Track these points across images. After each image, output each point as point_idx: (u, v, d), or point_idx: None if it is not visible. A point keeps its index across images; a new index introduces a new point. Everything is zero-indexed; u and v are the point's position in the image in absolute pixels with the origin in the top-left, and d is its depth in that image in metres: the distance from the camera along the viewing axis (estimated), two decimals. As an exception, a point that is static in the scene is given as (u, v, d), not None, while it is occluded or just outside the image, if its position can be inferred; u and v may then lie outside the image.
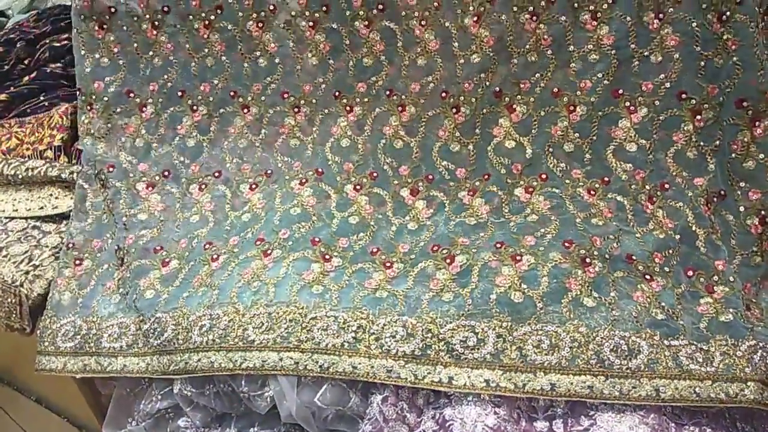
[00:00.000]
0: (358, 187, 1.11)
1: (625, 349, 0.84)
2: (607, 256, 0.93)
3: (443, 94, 1.09)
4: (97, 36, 1.23)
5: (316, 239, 1.03)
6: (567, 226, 0.97)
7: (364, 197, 1.09)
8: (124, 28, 1.22)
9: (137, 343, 0.97)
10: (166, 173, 1.19)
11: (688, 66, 0.96)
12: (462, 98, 1.07)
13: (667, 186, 0.98)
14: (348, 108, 1.14)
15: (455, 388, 0.83)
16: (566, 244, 0.94)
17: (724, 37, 0.92)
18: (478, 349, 0.85)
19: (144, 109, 1.23)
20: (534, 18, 1.02)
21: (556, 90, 1.04)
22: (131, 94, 1.24)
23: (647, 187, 0.99)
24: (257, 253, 1.03)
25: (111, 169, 1.21)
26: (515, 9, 1.03)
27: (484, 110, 1.07)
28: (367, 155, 1.12)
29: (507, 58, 1.05)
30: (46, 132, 1.45)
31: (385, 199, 1.09)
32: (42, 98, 1.56)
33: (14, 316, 1.18)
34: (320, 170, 1.14)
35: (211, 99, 1.21)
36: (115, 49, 1.23)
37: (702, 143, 0.96)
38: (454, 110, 1.08)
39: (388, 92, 1.12)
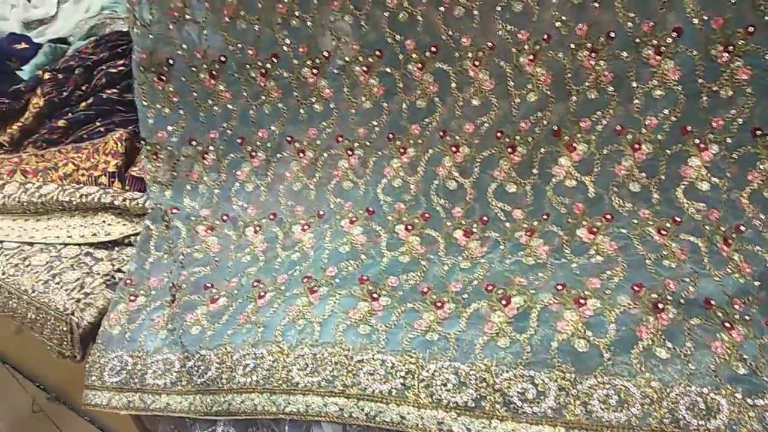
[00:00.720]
0: (409, 227, 1.07)
1: (703, 407, 0.75)
2: (682, 300, 0.85)
3: (498, 134, 1.05)
4: (157, 87, 1.26)
5: (364, 277, 0.99)
6: (636, 268, 0.90)
7: (416, 237, 1.05)
8: (183, 78, 1.25)
9: (181, 381, 0.95)
10: (225, 217, 1.20)
11: (762, 100, 0.88)
12: (518, 138, 1.03)
13: (743, 228, 0.89)
14: (401, 150, 1.12)
15: (512, 444, 0.77)
16: (635, 288, 0.87)
17: None
18: (537, 402, 0.78)
19: (206, 156, 1.26)
20: (593, 54, 0.97)
21: (619, 128, 0.98)
22: (193, 142, 1.26)
23: (722, 228, 0.91)
24: (303, 290, 1.00)
25: (175, 211, 1.23)
26: (573, 46, 0.98)
27: (542, 149, 1.02)
28: (419, 195, 1.09)
29: (565, 95, 1.00)
30: (101, 158, 1.47)
31: (437, 240, 1.04)
32: (98, 124, 1.59)
33: (65, 343, 1.18)
34: (371, 209, 1.11)
35: (268, 145, 1.22)
36: (175, 99, 1.26)
37: None
38: (510, 150, 1.04)
39: (441, 133, 1.09)
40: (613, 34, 0.95)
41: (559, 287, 0.89)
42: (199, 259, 1.14)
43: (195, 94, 1.25)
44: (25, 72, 1.82)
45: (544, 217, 1.00)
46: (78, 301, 1.17)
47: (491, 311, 0.89)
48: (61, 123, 1.62)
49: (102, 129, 1.57)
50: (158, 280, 1.14)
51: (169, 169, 1.26)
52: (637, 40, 0.94)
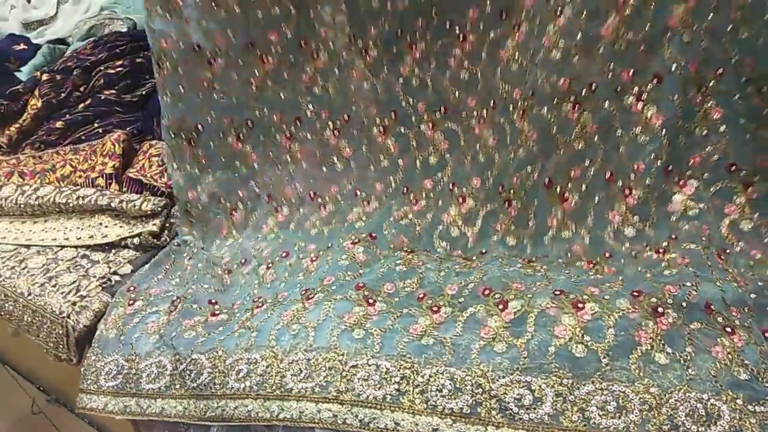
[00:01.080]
0: (407, 250, 1.09)
1: (702, 413, 0.74)
2: (683, 304, 0.83)
3: (500, 189, 1.07)
4: (187, 149, 1.30)
5: (360, 284, 0.98)
6: (636, 281, 0.88)
7: (415, 255, 1.06)
8: (211, 143, 1.29)
9: (174, 384, 0.94)
10: (243, 260, 1.22)
11: (734, 138, 0.89)
12: (512, 192, 1.05)
13: (728, 251, 0.90)
14: (414, 201, 1.16)
15: (508, 451, 0.75)
16: (635, 293, 0.85)
17: (764, 112, 0.86)
18: (534, 408, 0.77)
19: (234, 213, 1.30)
20: (577, 107, 0.97)
21: (608, 175, 0.98)
22: (222, 200, 1.30)
23: (715, 242, 0.92)
24: (299, 298, 0.99)
25: (202, 250, 1.26)
26: (556, 100, 0.98)
27: (536, 201, 1.03)
28: (422, 235, 1.12)
29: (553, 149, 1.01)
30: (99, 159, 1.46)
31: (434, 258, 1.06)
32: (96, 125, 1.59)
33: (61, 347, 1.18)
34: (374, 235, 1.12)
35: (293, 200, 1.26)
36: (204, 161, 1.30)
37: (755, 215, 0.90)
38: (507, 204, 1.06)
39: (451, 185, 1.12)
40: (594, 86, 0.96)
41: (557, 292, 0.87)
42: (209, 282, 1.14)
43: (223, 157, 1.29)
44: (23, 73, 1.81)
45: (544, 257, 1.02)
46: (74, 304, 1.16)
47: (488, 315, 0.88)
48: (58, 124, 1.61)
49: (100, 130, 1.57)
50: (162, 291, 1.14)
51: (202, 225, 1.31)
52: (618, 89, 0.94)
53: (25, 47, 1.87)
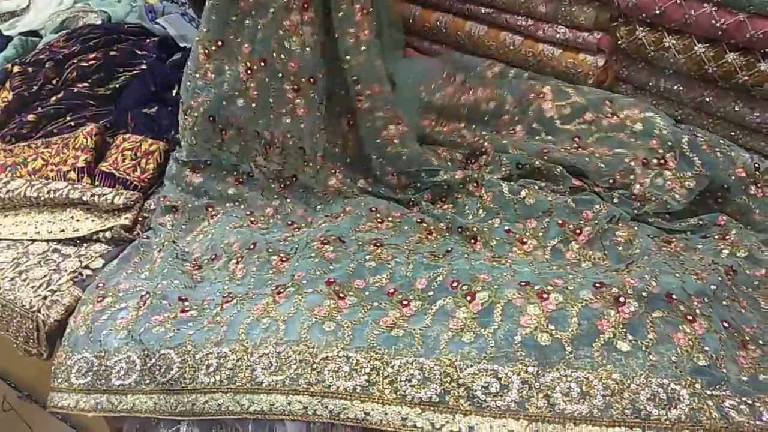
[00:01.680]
0: (376, 244, 1.09)
1: (663, 398, 0.76)
2: (644, 294, 0.85)
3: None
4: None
5: (331, 279, 0.99)
6: (597, 273, 0.91)
7: (384, 249, 1.06)
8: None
9: (144, 380, 0.94)
10: (213, 256, 1.18)
11: None
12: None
13: (686, 254, 0.97)
14: (380, 220, 1.19)
15: (476, 438, 0.77)
16: (597, 284, 0.87)
17: None
18: (501, 396, 0.78)
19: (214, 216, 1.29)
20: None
21: (560, 221, 1.09)
22: (209, 208, 1.30)
23: (673, 243, 0.98)
24: (270, 292, 0.99)
25: (173, 244, 1.22)
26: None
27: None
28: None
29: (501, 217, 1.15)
30: (71, 153, 1.44)
31: (403, 249, 1.06)
32: (68, 118, 1.56)
33: (32, 341, 1.17)
34: (343, 239, 1.10)
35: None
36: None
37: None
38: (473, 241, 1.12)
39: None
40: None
41: (523, 284, 0.89)
42: (179, 278, 1.12)
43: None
44: (-6, 65, 1.78)
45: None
46: (44, 298, 1.15)
47: (456, 307, 0.89)
48: (30, 117, 1.58)
49: (72, 123, 1.55)
50: (131, 287, 1.13)
51: (183, 218, 1.28)
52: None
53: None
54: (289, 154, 1.25)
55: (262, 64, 1.20)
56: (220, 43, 1.20)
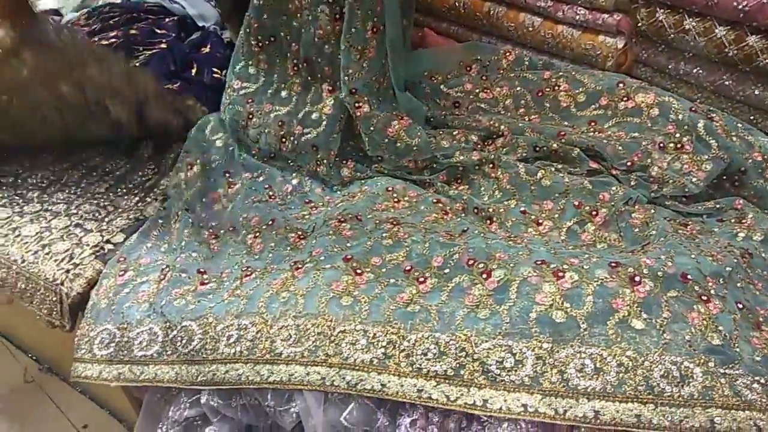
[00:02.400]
0: (393, 222, 1.09)
1: (676, 375, 0.77)
2: (659, 274, 0.86)
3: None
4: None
5: (348, 256, 1.00)
6: (613, 253, 0.92)
7: (400, 229, 1.06)
8: None
9: (166, 351, 0.96)
10: (231, 228, 1.21)
11: None
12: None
13: (702, 237, 0.97)
14: (396, 200, 1.21)
15: (490, 411, 0.78)
16: (612, 264, 0.88)
17: None
18: (515, 370, 0.80)
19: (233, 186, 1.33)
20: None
21: (576, 203, 1.10)
22: (227, 174, 1.34)
23: (690, 225, 1.00)
24: (288, 268, 1.01)
25: (185, 212, 1.24)
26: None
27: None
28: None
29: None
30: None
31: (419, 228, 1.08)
32: (88, 97, 1.58)
33: (55, 313, 1.19)
34: (359, 217, 1.12)
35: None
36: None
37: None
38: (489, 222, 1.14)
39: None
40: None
41: (539, 262, 0.90)
42: (197, 249, 1.15)
43: None
44: (15, 44, 1.79)
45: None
46: (67, 271, 1.18)
47: (472, 284, 0.90)
48: (51, 95, 1.61)
49: (92, 102, 1.57)
50: (151, 261, 1.15)
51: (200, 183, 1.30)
52: None
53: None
54: (303, 151, 1.29)
55: (305, 64, 1.28)
56: (272, 39, 1.30)
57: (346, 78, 1.21)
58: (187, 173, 1.28)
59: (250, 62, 1.34)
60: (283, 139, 1.30)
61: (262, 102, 1.33)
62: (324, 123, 1.27)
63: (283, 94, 1.32)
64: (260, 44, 1.32)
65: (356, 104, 1.23)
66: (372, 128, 1.24)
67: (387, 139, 1.23)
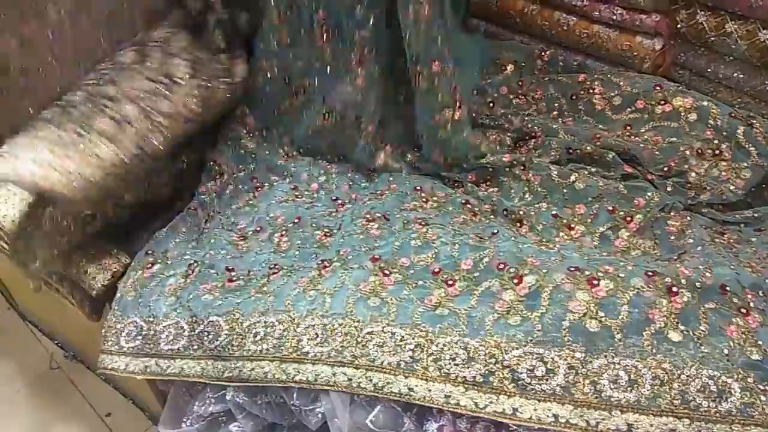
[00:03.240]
0: (422, 223, 1.07)
1: (714, 390, 0.75)
2: (697, 284, 0.84)
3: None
4: None
5: (376, 256, 0.99)
6: (649, 261, 0.90)
7: (429, 228, 1.04)
8: None
9: (192, 346, 0.96)
10: (259, 228, 1.19)
11: None
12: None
13: (740, 246, 0.94)
14: (425, 200, 1.18)
15: (519, 420, 0.77)
16: (649, 273, 0.86)
17: None
18: (546, 380, 0.78)
19: (259, 189, 1.31)
20: None
21: (611, 208, 1.07)
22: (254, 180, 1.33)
23: (726, 234, 0.97)
24: (316, 266, 1.00)
25: (218, 215, 1.24)
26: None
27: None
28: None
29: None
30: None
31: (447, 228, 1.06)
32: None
33: (83, 302, 1.21)
34: (387, 216, 1.11)
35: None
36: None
37: None
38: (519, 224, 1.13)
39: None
40: None
41: (573, 269, 0.88)
42: (225, 248, 1.14)
43: None
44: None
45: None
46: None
47: (503, 289, 0.89)
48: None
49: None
50: (179, 254, 1.15)
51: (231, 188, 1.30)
52: None
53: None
54: (345, 124, 1.25)
55: (336, 32, 1.20)
56: (293, 7, 1.21)
57: (405, 45, 1.14)
58: (216, 180, 1.28)
59: (273, 37, 1.24)
60: (326, 115, 1.27)
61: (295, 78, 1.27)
62: (359, 96, 1.23)
63: (317, 65, 1.25)
64: (281, 15, 1.22)
65: (417, 76, 1.15)
66: (425, 105, 1.18)
67: (432, 122, 1.19)
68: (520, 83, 1.33)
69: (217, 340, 0.94)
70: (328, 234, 1.11)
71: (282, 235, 1.14)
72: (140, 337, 1.02)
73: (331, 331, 0.89)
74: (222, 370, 0.93)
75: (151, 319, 1.03)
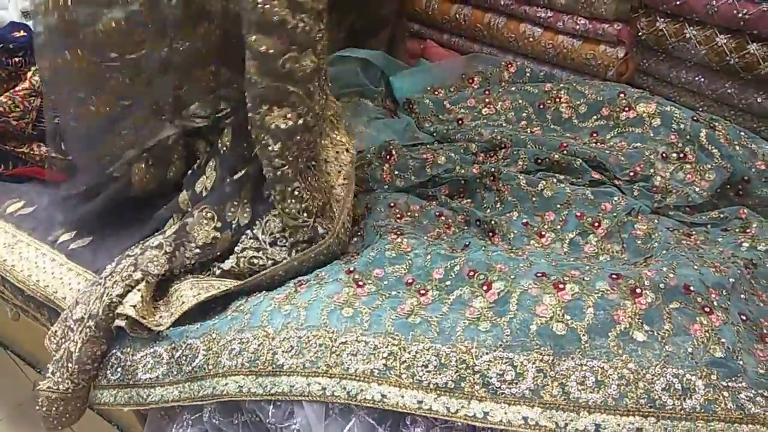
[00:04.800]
0: (397, 232, 1.08)
1: (678, 388, 0.76)
2: (661, 286, 0.85)
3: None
4: None
5: (351, 269, 1.00)
6: (615, 265, 0.92)
7: (404, 239, 1.05)
8: None
9: (172, 372, 0.95)
10: None
11: None
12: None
13: (706, 247, 0.97)
14: (399, 216, 1.18)
15: (490, 424, 0.78)
16: (613, 276, 0.88)
17: None
18: (516, 383, 0.79)
19: None
20: None
21: (578, 214, 1.09)
22: None
23: (693, 236, 0.99)
24: (292, 284, 1.01)
25: None
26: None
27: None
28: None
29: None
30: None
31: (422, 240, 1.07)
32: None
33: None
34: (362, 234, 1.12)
35: None
36: None
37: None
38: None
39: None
40: None
41: (539, 275, 0.90)
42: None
43: None
44: (23, 61, 1.82)
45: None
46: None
47: (473, 297, 0.90)
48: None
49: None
50: None
51: None
52: None
53: (25, 34, 1.88)
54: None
55: None
56: None
57: None
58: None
59: None
60: None
61: None
62: None
63: None
64: None
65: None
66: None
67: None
68: (486, 92, 1.36)
69: (194, 362, 0.93)
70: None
71: None
72: (120, 368, 1.00)
73: (306, 342, 0.89)
74: (198, 390, 0.92)
75: (128, 350, 1.01)
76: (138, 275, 1.02)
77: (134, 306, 0.98)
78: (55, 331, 1.08)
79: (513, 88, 1.34)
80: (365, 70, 1.50)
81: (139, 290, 1.00)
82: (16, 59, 1.61)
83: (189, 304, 1.00)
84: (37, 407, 1.02)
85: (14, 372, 1.71)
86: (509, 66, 1.39)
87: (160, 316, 1.01)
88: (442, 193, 1.23)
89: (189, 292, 1.02)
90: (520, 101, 1.32)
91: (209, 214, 1.06)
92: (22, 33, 1.84)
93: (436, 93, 1.43)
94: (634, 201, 1.10)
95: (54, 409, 1.01)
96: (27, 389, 1.65)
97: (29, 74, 1.52)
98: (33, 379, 1.67)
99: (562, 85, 1.30)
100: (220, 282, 1.05)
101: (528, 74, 1.37)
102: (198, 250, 1.05)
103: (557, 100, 1.29)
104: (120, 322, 0.98)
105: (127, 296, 1.00)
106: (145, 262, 1.02)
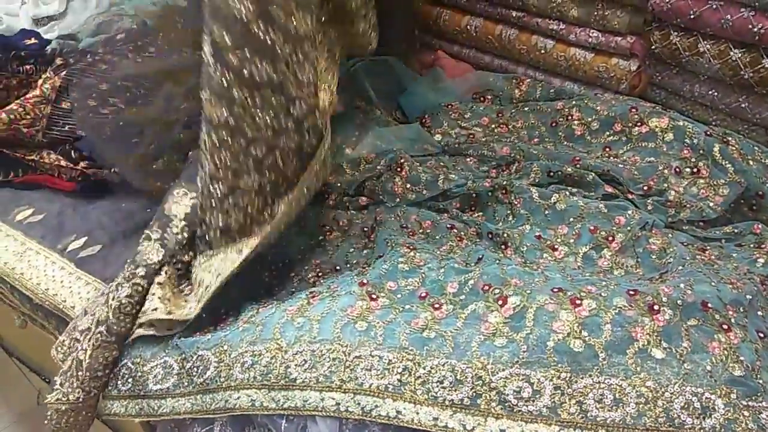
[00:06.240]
0: (410, 247, 1.08)
1: (698, 407, 0.76)
2: (679, 302, 0.85)
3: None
4: None
5: (364, 281, 0.99)
6: (631, 281, 0.92)
7: (418, 253, 1.05)
8: None
9: (182, 383, 0.95)
10: None
11: None
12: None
13: (721, 262, 0.96)
14: (412, 233, 1.17)
15: (507, 442, 0.77)
16: (631, 292, 0.87)
17: None
18: (533, 401, 0.78)
19: None
20: None
21: (592, 228, 1.09)
22: None
23: (708, 251, 0.98)
24: (305, 296, 1.00)
25: None
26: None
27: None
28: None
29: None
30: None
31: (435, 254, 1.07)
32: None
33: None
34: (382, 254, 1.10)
35: None
36: None
37: None
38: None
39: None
40: None
41: (556, 290, 0.89)
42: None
43: None
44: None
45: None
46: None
47: (488, 311, 0.89)
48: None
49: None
50: None
51: None
52: None
53: (36, 42, 1.89)
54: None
55: None
56: None
57: None
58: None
59: None
60: None
61: None
62: None
63: None
64: None
65: None
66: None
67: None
68: (500, 114, 1.36)
69: (205, 374, 0.93)
70: (320, 275, 1.12)
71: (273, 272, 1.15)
72: (131, 379, 0.99)
73: (319, 356, 0.88)
74: (210, 403, 0.91)
75: (138, 361, 1.00)
76: (140, 271, 1.03)
77: (156, 309, 0.99)
78: (63, 341, 1.07)
79: (525, 108, 1.35)
80: (377, 79, 1.52)
81: (154, 294, 1.01)
82: (27, 66, 1.61)
83: (213, 287, 1.00)
84: (46, 421, 1.01)
85: (20, 380, 1.70)
86: (520, 83, 1.39)
87: (190, 307, 1.02)
88: (454, 206, 1.22)
89: (207, 276, 1.03)
90: (533, 120, 1.33)
91: (181, 191, 1.10)
92: (33, 40, 1.85)
93: (451, 108, 1.44)
94: (648, 215, 1.09)
95: (64, 420, 1.00)
96: (32, 397, 1.65)
97: (40, 82, 1.52)
98: (38, 387, 1.67)
99: (573, 103, 1.30)
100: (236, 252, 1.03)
101: (539, 92, 1.37)
102: (184, 222, 1.08)
103: (569, 117, 1.29)
104: (143, 331, 0.99)
105: (145, 305, 1.01)
106: (142, 256, 1.04)
